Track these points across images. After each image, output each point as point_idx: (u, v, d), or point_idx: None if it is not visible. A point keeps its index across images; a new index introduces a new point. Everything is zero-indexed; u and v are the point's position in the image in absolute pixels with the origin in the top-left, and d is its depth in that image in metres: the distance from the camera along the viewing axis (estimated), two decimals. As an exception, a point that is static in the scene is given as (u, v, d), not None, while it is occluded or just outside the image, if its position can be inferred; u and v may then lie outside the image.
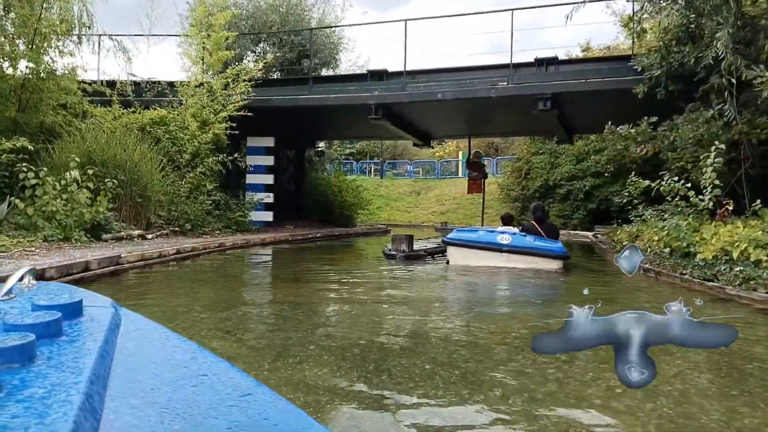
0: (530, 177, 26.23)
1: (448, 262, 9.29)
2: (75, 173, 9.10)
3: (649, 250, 8.25)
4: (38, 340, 0.59)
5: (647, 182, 8.04)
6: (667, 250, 7.49)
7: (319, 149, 20.72)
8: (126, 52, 13.15)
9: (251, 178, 15.74)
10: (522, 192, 26.51)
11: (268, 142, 15.94)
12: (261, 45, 20.77)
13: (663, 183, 7.93)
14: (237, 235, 12.84)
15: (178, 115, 13.33)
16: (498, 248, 8.77)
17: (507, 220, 10.68)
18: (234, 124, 13.52)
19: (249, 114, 13.52)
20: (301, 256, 10.68)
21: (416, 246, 10.41)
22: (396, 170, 41.06)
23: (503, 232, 9.20)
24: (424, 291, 6.57)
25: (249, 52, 20.77)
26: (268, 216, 15.76)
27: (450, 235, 9.62)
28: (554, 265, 8.55)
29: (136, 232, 10.15)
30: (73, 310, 0.74)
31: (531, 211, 10.32)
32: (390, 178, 38.23)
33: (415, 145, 18.81)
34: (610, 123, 9.90)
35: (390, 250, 9.81)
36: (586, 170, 23.86)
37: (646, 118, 9.53)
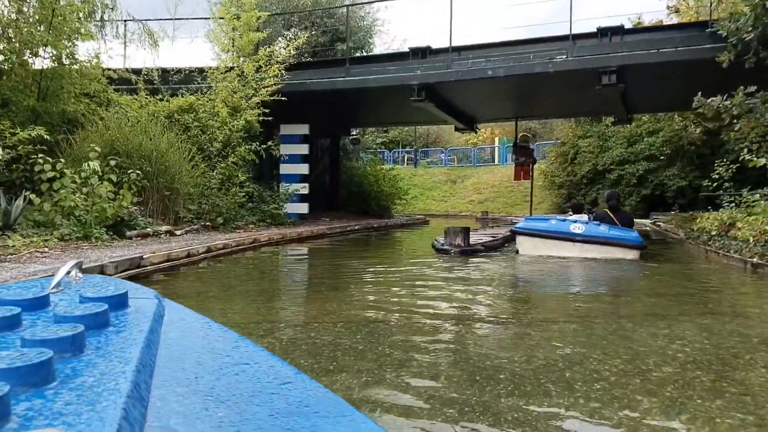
0: (577, 162, 24.76)
1: (517, 252, 8.92)
2: (95, 164, 8.24)
3: (753, 242, 6.97)
4: (87, 330, 0.60)
5: (762, 160, 6.71)
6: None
7: (355, 137, 19.67)
8: (152, 35, 12.28)
9: (285, 168, 14.80)
10: (568, 178, 25.07)
11: (303, 129, 14.96)
12: (292, 30, 19.76)
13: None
14: (272, 228, 11.91)
15: (207, 101, 12.42)
16: (571, 238, 8.40)
17: (577, 208, 10.28)
18: (267, 110, 12.57)
19: (283, 98, 12.54)
20: (343, 253, 9.67)
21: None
22: (429, 159, 39.81)
23: (575, 221, 8.78)
24: (514, 298, 5.47)
25: (280, 38, 19.79)
26: (303, 208, 14.82)
27: (519, 225, 9.19)
28: (630, 255, 8.12)
29: (164, 228, 9.27)
30: (119, 302, 0.75)
31: (605, 198, 9.93)
32: (424, 167, 37.05)
33: (457, 129, 17.60)
34: (699, 94, 8.56)
35: (442, 244, 8.72)
36: (639, 153, 22.32)
37: (742, 88, 8.19)
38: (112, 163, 8.81)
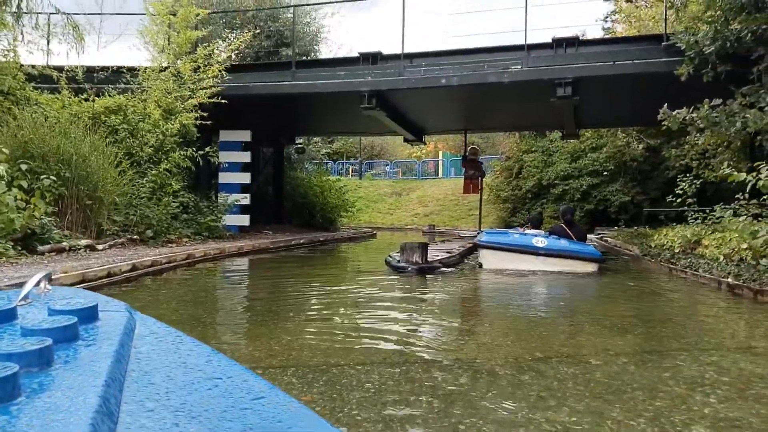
0: (522, 176, 24.77)
1: (481, 265, 8.98)
2: (1, 168, 7.12)
3: (725, 261, 6.65)
4: (55, 344, 0.59)
5: (743, 175, 6.40)
6: (766, 261, 5.91)
7: (300, 146, 18.83)
8: (77, 28, 11.11)
9: (225, 177, 13.81)
10: (513, 192, 25.04)
11: (245, 136, 14.03)
12: (235, 32, 18.79)
13: (763, 177, 6.26)
14: (209, 242, 10.93)
15: (138, 102, 11.33)
16: (534, 251, 8.55)
17: (537, 222, 10.33)
18: (205, 114, 11.61)
19: (223, 101, 11.62)
20: (289, 271, 8.83)
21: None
22: (374, 171, 39.31)
23: (536, 235, 8.94)
24: (493, 330, 4.83)
25: (220, 40, 18.78)
26: (244, 220, 13.86)
27: (483, 238, 9.24)
28: (590, 268, 8.37)
29: (83, 242, 8.18)
30: (89, 315, 0.74)
31: (561, 213, 10.17)
32: (369, 179, 36.47)
33: (406, 141, 17.07)
34: (666, 106, 8.29)
35: (399, 261, 8.04)
36: (583, 169, 22.49)
37: (707, 100, 7.97)
38: (24, 167, 7.72)
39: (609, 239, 15.45)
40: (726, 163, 7.87)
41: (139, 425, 0.51)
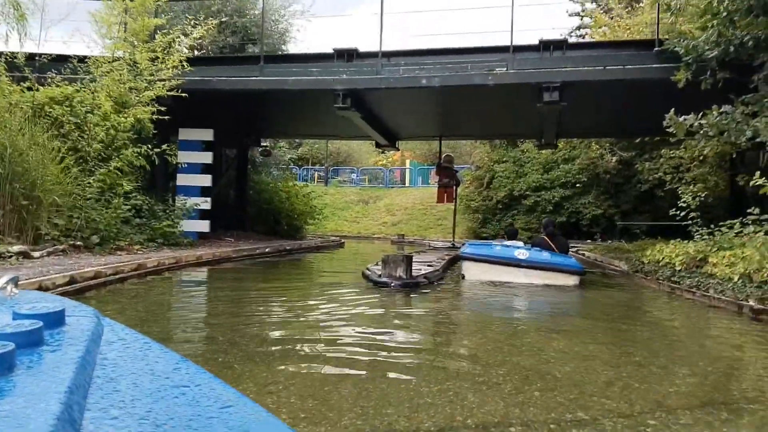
0: (492, 187, 24.27)
1: (463, 277, 8.87)
2: None
3: (740, 281, 6.04)
4: (18, 349, 0.58)
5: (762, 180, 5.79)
6: (795, 284, 5.31)
7: (265, 148, 17.80)
8: (18, 6, 9.93)
9: (183, 179, 12.72)
10: (483, 203, 24.49)
11: (206, 135, 12.98)
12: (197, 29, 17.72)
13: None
14: (164, 250, 9.86)
15: (88, 93, 10.19)
16: (516, 263, 8.53)
17: (513, 234, 10.29)
18: (163, 109, 10.57)
19: (183, 95, 10.61)
20: (255, 285, 7.85)
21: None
22: (339, 178, 38.42)
23: (519, 247, 8.89)
24: (507, 368, 4.01)
25: (183, 36, 17.67)
26: (203, 226, 12.79)
27: (466, 250, 9.17)
28: (571, 280, 8.36)
29: (16, 248, 7.07)
30: (55, 319, 0.73)
31: (543, 226, 10.12)
32: (335, 186, 35.56)
33: (378, 146, 16.26)
34: (672, 111, 7.71)
35: (380, 276, 7.20)
36: (555, 180, 22.12)
37: (715, 106, 7.42)
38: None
39: (586, 253, 14.92)
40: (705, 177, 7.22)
41: None
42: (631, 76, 10.03)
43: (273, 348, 4.10)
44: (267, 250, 12.53)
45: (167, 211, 11.07)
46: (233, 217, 16.27)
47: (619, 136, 17.92)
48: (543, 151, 23.30)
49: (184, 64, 10.72)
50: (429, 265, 9.07)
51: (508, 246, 9.05)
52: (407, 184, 37.45)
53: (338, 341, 4.23)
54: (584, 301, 7.20)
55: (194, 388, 0.64)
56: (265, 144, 18.30)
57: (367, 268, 8.22)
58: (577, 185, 21.37)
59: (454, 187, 16.19)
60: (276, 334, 4.59)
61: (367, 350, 3.95)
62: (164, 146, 10.29)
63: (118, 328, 0.84)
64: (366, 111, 12.21)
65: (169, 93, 10.51)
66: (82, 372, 0.58)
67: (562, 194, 21.64)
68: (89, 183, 9.10)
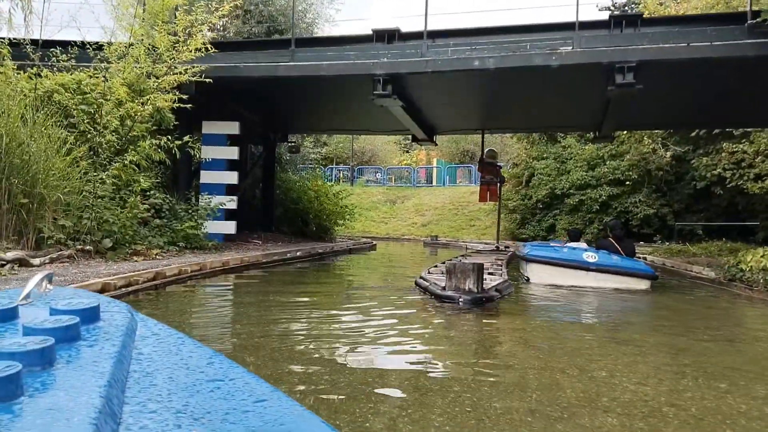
0: (532, 185, 22.84)
1: (528, 280, 8.73)
2: None
3: None
4: (57, 343, 0.59)
5: None
6: None
7: (294, 144, 16.67)
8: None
9: (207, 176, 11.60)
10: (522, 202, 23.09)
11: (232, 128, 11.85)
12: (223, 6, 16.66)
13: None
14: (186, 255, 8.75)
15: (102, 81, 9.12)
16: (586, 267, 8.27)
17: (576, 236, 10.01)
18: (185, 96, 9.47)
19: (207, 81, 9.49)
20: (292, 299, 6.62)
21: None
22: (365, 177, 37.26)
23: (586, 250, 8.61)
24: None
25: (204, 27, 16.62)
26: (229, 227, 11.66)
27: (531, 252, 8.94)
28: (642, 285, 8.09)
29: (11, 255, 5.98)
30: (91, 315, 0.74)
31: (610, 228, 9.57)
32: (361, 185, 34.40)
33: (415, 140, 15.00)
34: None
35: (444, 288, 5.94)
36: (602, 177, 20.59)
37: None
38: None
39: (648, 256, 13.46)
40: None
41: (141, 426, 0.50)
42: (720, 53, 8.63)
43: (324, 389, 2.88)
44: (298, 253, 11.35)
45: (190, 212, 9.96)
46: (259, 217, 15.18)
47: (689, 127, 16.36)
48: (587, 147, 21.84)
49: (209, 47, 9.58)
50: (489, 273, 7.78)
51: (575, 249, 8.75)
52: (434, 184, 36.16)
53: (400, 370, 2.99)
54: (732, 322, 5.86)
55: (228, 382, 0.64)
56: (293, 140, 17.18)
57: (422, 277, 6.97)
58: (627, 183, 19.85)
59: (498, 185, 14.85)
60: (332, 374, 3.36)
61: (435, 388, 2.70)
62: (186, 137, 9.15)
63: (151, 323, 0.85)
64: (406, 100, 10.97)
65: (191, 79, 9.40)
66: (119, 366, 0.59)
67: (609, 192, 20.12)
68: (101, 179, 8.00)
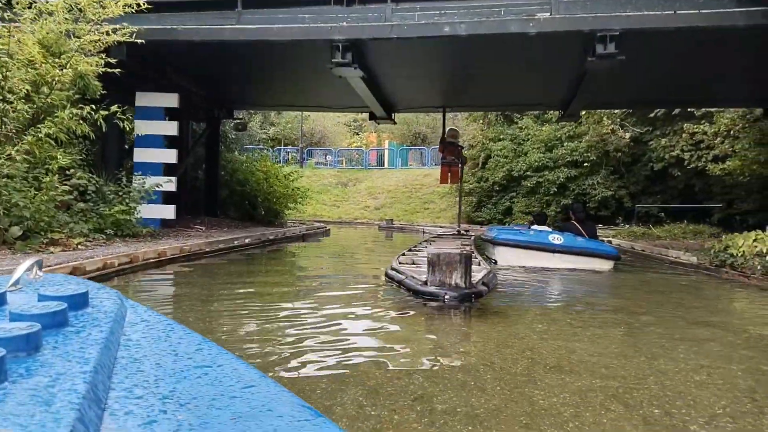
0: (488, 167, 22.28)
1: (495, 262, 8.80)
2: None
3: None
4: (44, 330, 0.59)
5: None
6: None
7: (240, 121, 15.37)
8: None
9: (142, 154, 10.28)
10: (478, 185, 22.53)
11: (170, 100, 10.55)
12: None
13: None
14: (115, 244, 7.53)
15: (10, 39, 7.69)
16: (551, 248, 8.49)
17: (542, 220, 10.13)
18: (113, 61, 8.17)
19: (140, 42, 8.21)
20: (242, 297, 5.57)
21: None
22: (315, 159, 35.99)
23: (551, 232, 8.85)
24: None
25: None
26: (168, 212, 10.43)
27: (498, 235, 9.08)
28: (606, 265, 8.34)
29: None
30: (79, 301, 0.74)
31: (573, 210, 9.89)
32: (312, 168, 33.15)
33: (373, 118, 14.00)
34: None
35: (425, 283, 5.04)
36: (559, 159, 20.19)
37: None
38: None
39: (612, 240, 13.01)
40: None
41: (126, 412, 0.50)
42: (709, 22, 8.03)
43: None
44: (247, 241, 10.24)
45: (120, 194, 8.69)
46: (202, 201, 13.91)
47: (663, 106, 15.97)
48: (545, 128, 21.40)
49: (141, 2, 8.26)
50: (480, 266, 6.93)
51: (541, 231, 9.01)
52: (386, 166, 35.29)
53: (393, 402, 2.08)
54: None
55: (216, 368, 0.64)
56: (239, 117, 15.87)
57: (394, 269, 6.06)
58: (585, 164, 19.51)
59: (460, 166, 14.07)
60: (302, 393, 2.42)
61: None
62: (114, 107, 7.86)
63: (141, 309, 0.84)
64: (366, 71, 9.97)
65: (121, 40, 8.09)
66: (106, 352, 0.59)
67: (567, 174, 19.76)
68: (9, 155, 6.67)
